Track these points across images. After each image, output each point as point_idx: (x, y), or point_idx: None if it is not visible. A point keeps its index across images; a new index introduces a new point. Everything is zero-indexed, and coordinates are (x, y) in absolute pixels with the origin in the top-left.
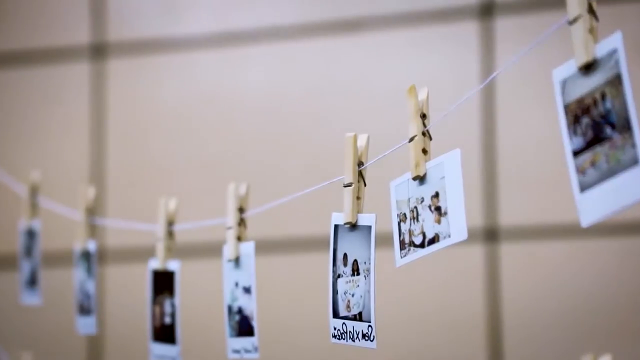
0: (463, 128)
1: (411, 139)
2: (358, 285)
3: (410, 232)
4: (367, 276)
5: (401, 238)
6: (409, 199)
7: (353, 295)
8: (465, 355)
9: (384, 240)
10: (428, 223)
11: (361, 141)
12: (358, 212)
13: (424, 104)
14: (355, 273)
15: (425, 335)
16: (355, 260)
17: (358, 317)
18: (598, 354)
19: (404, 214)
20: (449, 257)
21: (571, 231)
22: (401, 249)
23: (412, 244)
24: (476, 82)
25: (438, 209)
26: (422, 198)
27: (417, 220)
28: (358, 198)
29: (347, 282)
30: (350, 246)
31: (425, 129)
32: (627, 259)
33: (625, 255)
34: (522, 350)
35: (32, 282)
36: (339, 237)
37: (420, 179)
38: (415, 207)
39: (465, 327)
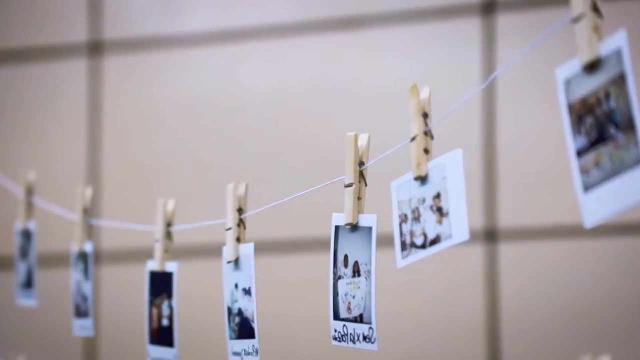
0: (463, 127)
1: (413, 139)
2: (359, 287)
3: (412, 233)
4: (368, 277)
5: (402, 239)
6: (410, 199)
7: (354, 297)
8: (464, 354)
9: (384, 241)
10: (429, 224)
11: (362, 141)
12: (359, 213)
13: (426, 103)
14: (356, 274)
15: (424, 335)
16: (356, 262)
17: (359, 319)
18: (597, 354)
19: (405, 215)
20: (448, 258)
21: (570, 232)
22: (402, 250)
23: (413, 244)
24: (477, 80)
25: (439, 209)
26: (424, 199)
27: (419, 221)
28: (359, 198)
29: (347, 284)
30: (351, 247)
31: (427, 128)
32: (626, 260)
33: (624, 256)
34: (520, 349)
35: (28, 283)
36: (340, 238)
37: (422, 179)
38: (417, 208)
39: (464, 327)
